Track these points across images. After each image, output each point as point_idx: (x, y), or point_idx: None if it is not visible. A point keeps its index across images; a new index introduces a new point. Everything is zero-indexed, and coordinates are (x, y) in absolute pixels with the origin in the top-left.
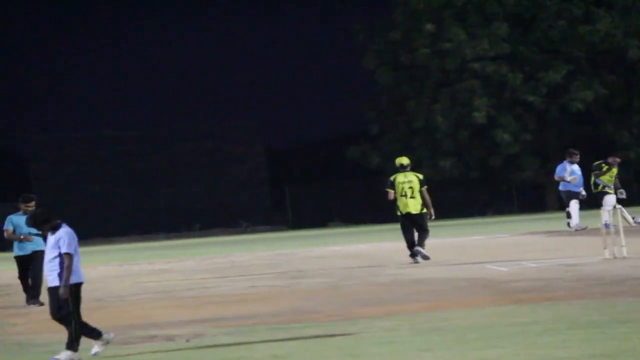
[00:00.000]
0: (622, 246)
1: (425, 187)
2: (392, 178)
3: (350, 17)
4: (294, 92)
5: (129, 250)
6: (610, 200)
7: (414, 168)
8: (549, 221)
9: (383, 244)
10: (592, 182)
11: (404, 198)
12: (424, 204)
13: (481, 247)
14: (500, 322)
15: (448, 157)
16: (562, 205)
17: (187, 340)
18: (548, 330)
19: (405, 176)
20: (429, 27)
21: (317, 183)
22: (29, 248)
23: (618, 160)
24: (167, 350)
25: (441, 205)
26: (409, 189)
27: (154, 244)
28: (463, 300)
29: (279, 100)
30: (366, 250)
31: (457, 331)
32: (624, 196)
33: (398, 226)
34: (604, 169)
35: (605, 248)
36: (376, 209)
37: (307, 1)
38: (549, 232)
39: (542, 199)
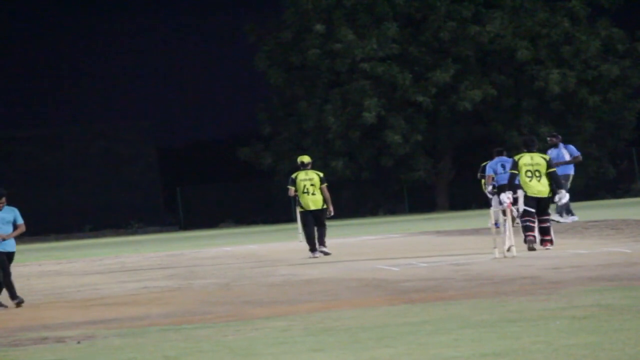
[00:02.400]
0: (512, 245)
1: (325, 184)
2: (293, 176)
3: (241, 17)
4: (186, 92)
5: (19, 251)
6: (501, 199)
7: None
8: (439, 221)
9: (275, 245)
10: (483, 182)
11: (305, 195)
12: (324, 201)
13: (373, 247)
14: (393, 321)
15: (339, 157)
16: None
17: (79, 342)
18: (439, 329)
19: (307, 174)
20: (319, 27)
21: (209, 183)
22: None
23: None
24: (58, 352)
25: (333, 205)
26: (310, 186)
27: (44, 245)
28: (355, 300)
29: (171, 101)
30: (258, 251)
31: (349, 331)
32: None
33: (290, 226)
34: None
35: (495, 247)
36: (268, 209)
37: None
38: (439, 232)
39: (433, 199)
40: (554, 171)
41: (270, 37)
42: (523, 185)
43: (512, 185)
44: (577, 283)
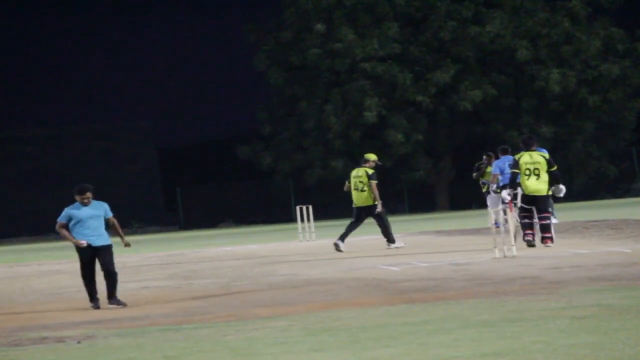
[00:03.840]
0: (512, 245)
1: (374, 181)
2: (351, 172)
3: (241, 17)
4: (186, 92)
5: (19, 251)
6: (502, 197)
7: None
8: (439, 221)
9: (275, 245)
10: (480, 182)
11: (355, 191)
12: (372, 197)
13: (373, 247)
14: (392, 321)
15: (340, 157)
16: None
17: (79, 342)
18: (439, 329)
19: (357, 171)
20: (319, 27)
21: (209, 183)
22: None
23: (493, 158)
24: (58, 352)
25: (333, 205)
26: (359, 183)
27: (44, 245)
28: (355, 300)
29: (171, 101)
30: (258, 251)
31: (349, 331)
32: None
33: (290, 226)
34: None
35: (495, 247)
36: (268, 209)
37: (199, 0)
38: (439, 232)
39: (433, 199)
40: (555, 169)
41: (270, 37)
42: (521, 184)
43: (514, 184)
44: (577, 283)
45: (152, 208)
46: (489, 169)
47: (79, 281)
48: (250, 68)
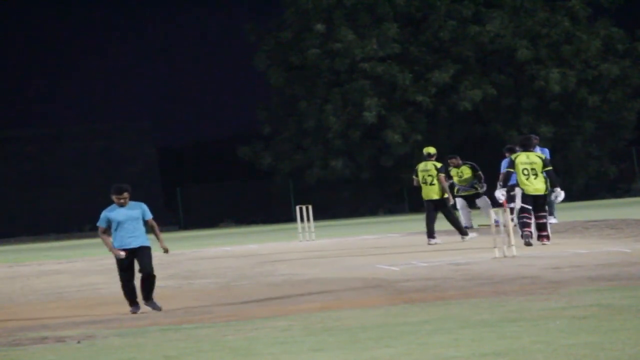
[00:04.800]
0: (512, 245)
1: (442, 174)
2: (417, 167)
3: (241, 17)
4: (186, 92)
5: (18, 251)
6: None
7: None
8: (439, 221)
9: (275, 245)
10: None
11: (425, 185)
12: (442, 190)
13: (373, 247)
14: (392, 321)
15: (339, 157)
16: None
17: (79, 342)
18: (439, 329)
19: (426, 165)
20: (319, 27)
21: (209, 183)
22: None
23: (457, 161)
24: (58, 352)
25: (332, 205)
26: (428, 177)
27: (44, 245)
28: (355, 300)
29: (171, 101)
30: (258, 251)
31: (349, 331)
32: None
33: (290, 226)
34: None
35: (495, 247)
36: (268, 209)
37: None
38: (438, 232)
39: None
40: (550, 170)
41: (270, 37)
42: (520, 184)
43: (506, 183)
44: (577, 283)
45: (152, 208)
46: (453, 172)
47: (79, 281)
48: (250, 68)
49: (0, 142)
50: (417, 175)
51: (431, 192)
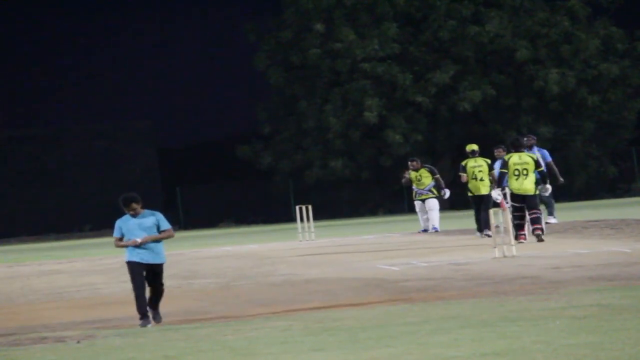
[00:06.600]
0: (512, 245)
1: (493, 171)
2: (463, 163)
3: (241, 17)
4: (186, 92)
5: (18, 251)
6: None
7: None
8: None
9: (275, 245)
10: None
11: (474, 181)
12: (492, 186)
13: (372, 247)
14: (392, 321)
15: (339, 157)
16: None
17: (78, 342)
18: (439, 329)
19: (476, 161)
20: (319, 27)
21: (209, 183)
22: None
23: (417, 164)
24: (58, 352)
25: (332, 205)
26: (479, 172)
27: (44, 245)
28: (355, 299)
29: (171, 101)
30: (258, 251)
31: (349, 331)
32: (446, 196)
33: (290, 226)
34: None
35: (495, 247)
36: (268, 209)
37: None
38: (439, 232)
39: None
40: (542, 170)
41: (270, 37)
42: (509, 184)
43: (501, 184)
44: (577, 283)
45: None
46: (412, 175)
47: (79, 281)
48: (250, 68)
49: (0, 142)
50: (464, 172)
51: (481, 187)
